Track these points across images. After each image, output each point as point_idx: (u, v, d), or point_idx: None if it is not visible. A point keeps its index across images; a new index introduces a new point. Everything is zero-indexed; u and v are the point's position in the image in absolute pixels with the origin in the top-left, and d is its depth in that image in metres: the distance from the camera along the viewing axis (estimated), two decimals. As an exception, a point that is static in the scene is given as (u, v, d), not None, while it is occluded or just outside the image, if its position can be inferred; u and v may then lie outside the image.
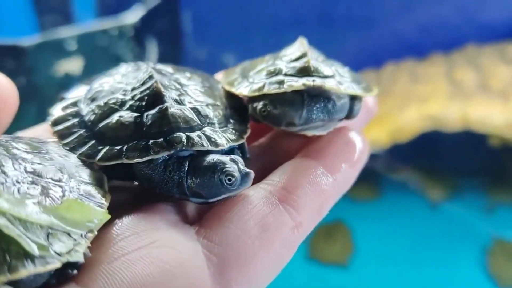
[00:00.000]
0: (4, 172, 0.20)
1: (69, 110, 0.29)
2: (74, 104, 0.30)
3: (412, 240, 0.94)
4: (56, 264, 0.18)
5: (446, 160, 1.12)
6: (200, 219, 0.25)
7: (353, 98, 0.30)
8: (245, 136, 0.29)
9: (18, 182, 0.20)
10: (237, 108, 0.31)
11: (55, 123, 0.29)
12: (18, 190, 0.20)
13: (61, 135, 0.28)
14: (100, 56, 0.83)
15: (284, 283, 0.88)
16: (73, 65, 0.82)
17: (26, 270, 0.17)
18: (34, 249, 0.18)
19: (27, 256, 0.17)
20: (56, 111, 0.30)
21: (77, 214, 0.20)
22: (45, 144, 0.26)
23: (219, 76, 0.34)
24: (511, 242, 0.91)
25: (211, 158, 0.25)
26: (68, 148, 0.26)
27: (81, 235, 0.20)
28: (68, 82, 0.78)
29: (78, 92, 0.31)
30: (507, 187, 1.04)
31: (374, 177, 1.07)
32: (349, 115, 0.30)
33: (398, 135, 0.96)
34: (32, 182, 0.21)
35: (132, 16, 0.88)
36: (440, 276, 0.88)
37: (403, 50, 1.13)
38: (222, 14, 1.11)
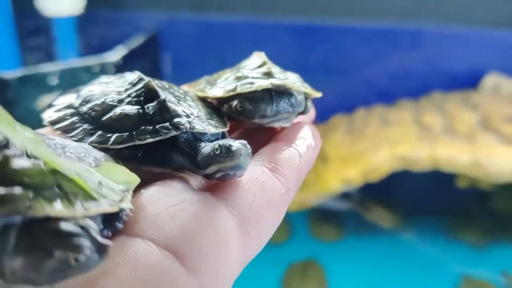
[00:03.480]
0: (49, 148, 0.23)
1: (64, 112, 0.31)
2: (68, 107, 0.31)
3: (383, 278, 0.94)
4: (114, 208, 0.22)
5: (415, 199, 1.15)
6: (208, 189, 0.28)
7: (306, 97, 0.36)
8: (227, 126, 0.33)
9: (64, 155, 0.24)
10: (212, 108, 0.35)
11: (54, 122, 0.30)
12: (68, 158, 0.23)
13: (65, 131, 0.29)
14: (81, 92, 0.85)
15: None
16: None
17: (96, 210, 0.21)
18: (98, 195, 0.21)
19: (93, 199, 0.21)
20: (50, 114, 0.31)
21: (115, 174, 0.24)
22: (54, 136, 0.27)
23: (184, 88, 0.38)
24: (478, 279, 0.93)
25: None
26: (76, 139, 0.28)
27: (123, 192, 0.23)
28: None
29: (66, 99, 0.32)
30: (473, 227, 1.06)
31: (337, 217, 1.10)
32: (304, 110, 0.36)
33: (370, 175, 0.98)
34: (71, 155, 0.24)
35: (114, 55, 0.92)
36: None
37: (374, 96, 1.19)
38: (199, 58, 1.16)
